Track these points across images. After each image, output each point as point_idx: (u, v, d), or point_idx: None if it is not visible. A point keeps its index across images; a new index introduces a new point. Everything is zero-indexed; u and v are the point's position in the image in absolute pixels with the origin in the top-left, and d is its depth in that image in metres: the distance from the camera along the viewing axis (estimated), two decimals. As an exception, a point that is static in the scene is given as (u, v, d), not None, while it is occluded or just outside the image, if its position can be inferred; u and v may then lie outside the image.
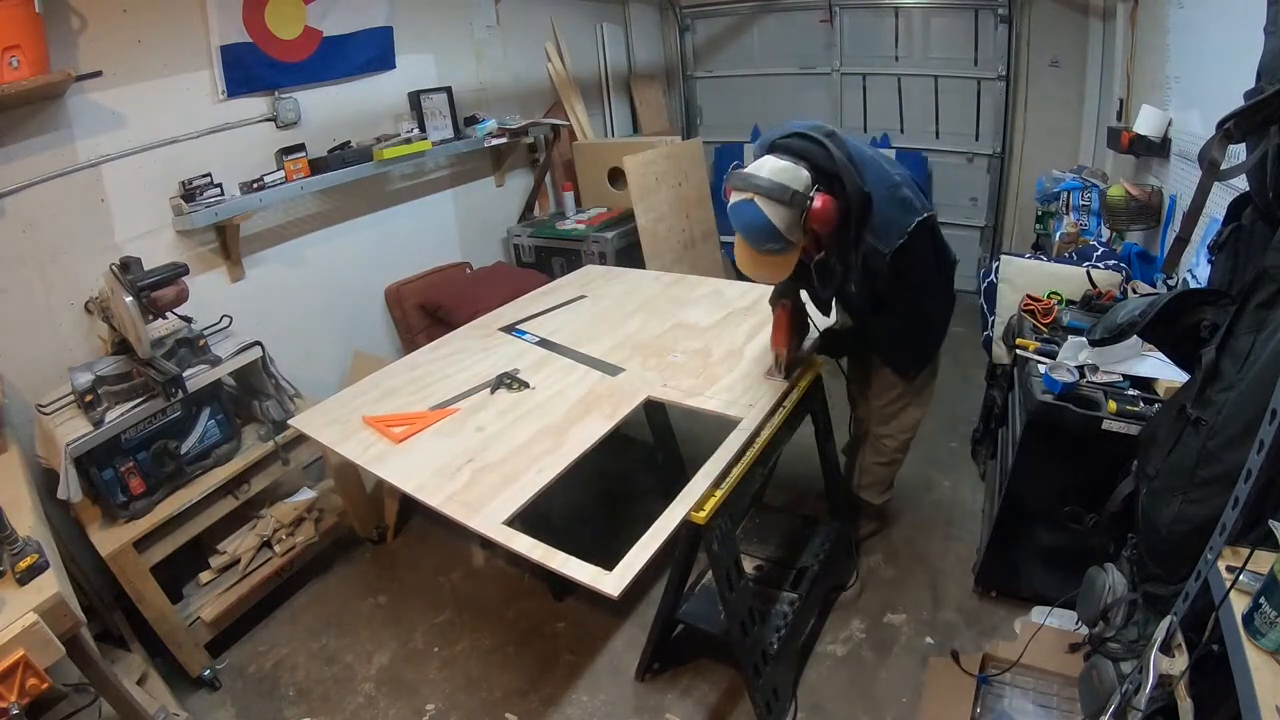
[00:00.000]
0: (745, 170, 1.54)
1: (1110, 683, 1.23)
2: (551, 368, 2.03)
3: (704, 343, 2.11)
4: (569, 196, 4.02)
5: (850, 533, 2.34)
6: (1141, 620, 1.27)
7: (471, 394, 1.91)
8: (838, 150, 1.54)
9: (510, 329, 2.32)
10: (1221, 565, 0.99)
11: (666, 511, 1.43)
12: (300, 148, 2.68)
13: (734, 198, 1.52)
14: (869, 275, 1.66)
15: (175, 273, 1.98)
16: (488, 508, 1.46)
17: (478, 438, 1.71)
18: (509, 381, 1.93)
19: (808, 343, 1.98)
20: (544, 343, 2.19)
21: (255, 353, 2.25)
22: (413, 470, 1.62)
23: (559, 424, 1.73)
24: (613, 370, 1.99)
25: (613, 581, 1.27)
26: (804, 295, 1.94)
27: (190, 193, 2.40)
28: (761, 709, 1.77)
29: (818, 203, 1.49)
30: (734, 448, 1.60)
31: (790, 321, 1.84)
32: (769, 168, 1.52)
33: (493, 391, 1.92)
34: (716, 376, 1.92)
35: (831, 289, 1.82)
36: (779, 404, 1.79)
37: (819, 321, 2.00)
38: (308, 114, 2.80)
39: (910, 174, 1.70)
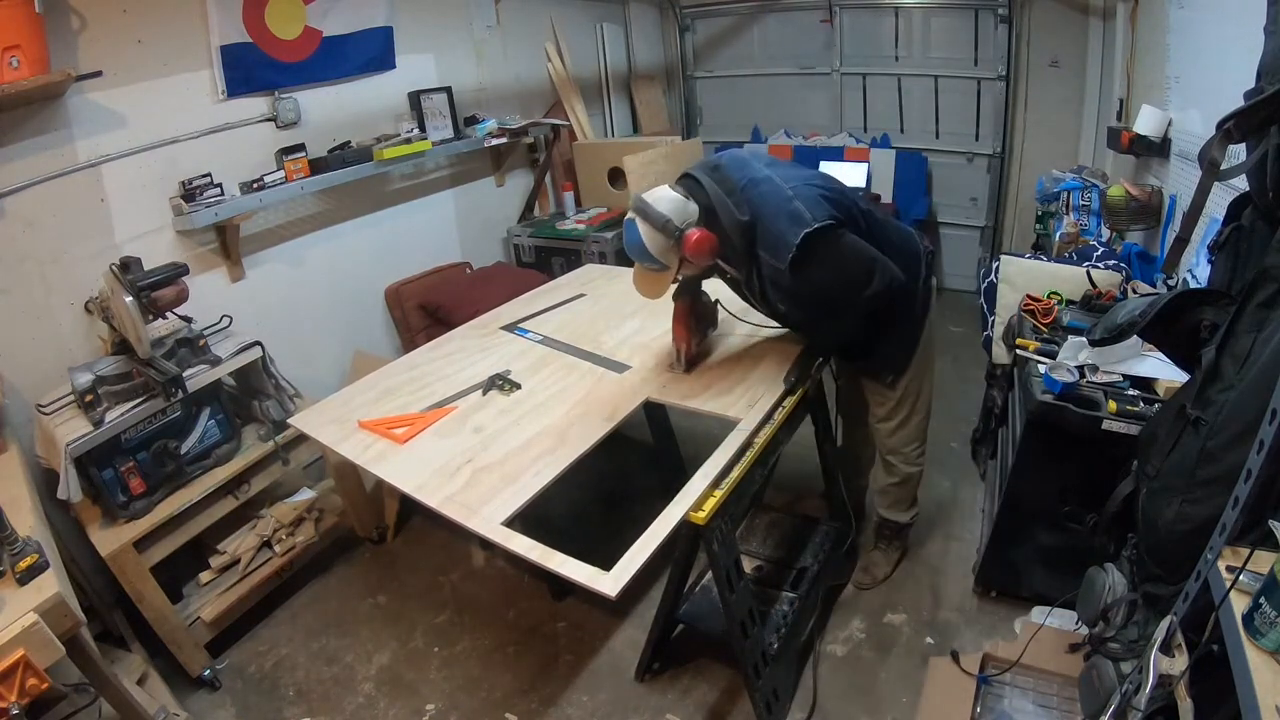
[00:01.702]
0: (644, 195, 1.68)
1: (1110, 683, 1.23)
2: (552, 367, 2.03)
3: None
4: (569, 196, 4.03)
5: (872, 568, 2.35)
6: (1141, 620, 1.27)
7: (464, 395, 1.91)
8: (714, 187, 1.67)
9: (511, 328, 2.32)
10: (1221, 565, 0.99)
11: (665, 512, 1.43)
12: (300, 148, 2.68)
13: (627, 216, 1.69)
14: (782, 290, 1.69)
15: (175, 273, 1.98)
16: (486, 508, 1.46)
17: (477, 438, 1.71)
18: (500, 383, 1.93)
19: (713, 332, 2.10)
20: (546, 341, 2.19)
21: (255, 353, 2.25)
22: (412, 470, 1.62)
23: (558, 425, 1.73)
24: (618, 367, 1.99)
25: (610, 582, 1.27)
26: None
27: (190, 193, 2.40)
28: (761, 709, 1.77)
29: (693, 235, 1.62)
30: (733, 448, 1.60)
31: (689, 316, 1.95)
32: (666, 197, 1.67)
33: (484, 393, 1.91)
34: (715, 378, 1.91)
35: (761, 305, 1.89)
36: (778, 404, 1.78)
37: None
38: (308, 114, 2.80)
39: (820, 184, 1.67)
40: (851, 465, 2.35)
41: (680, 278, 1.77)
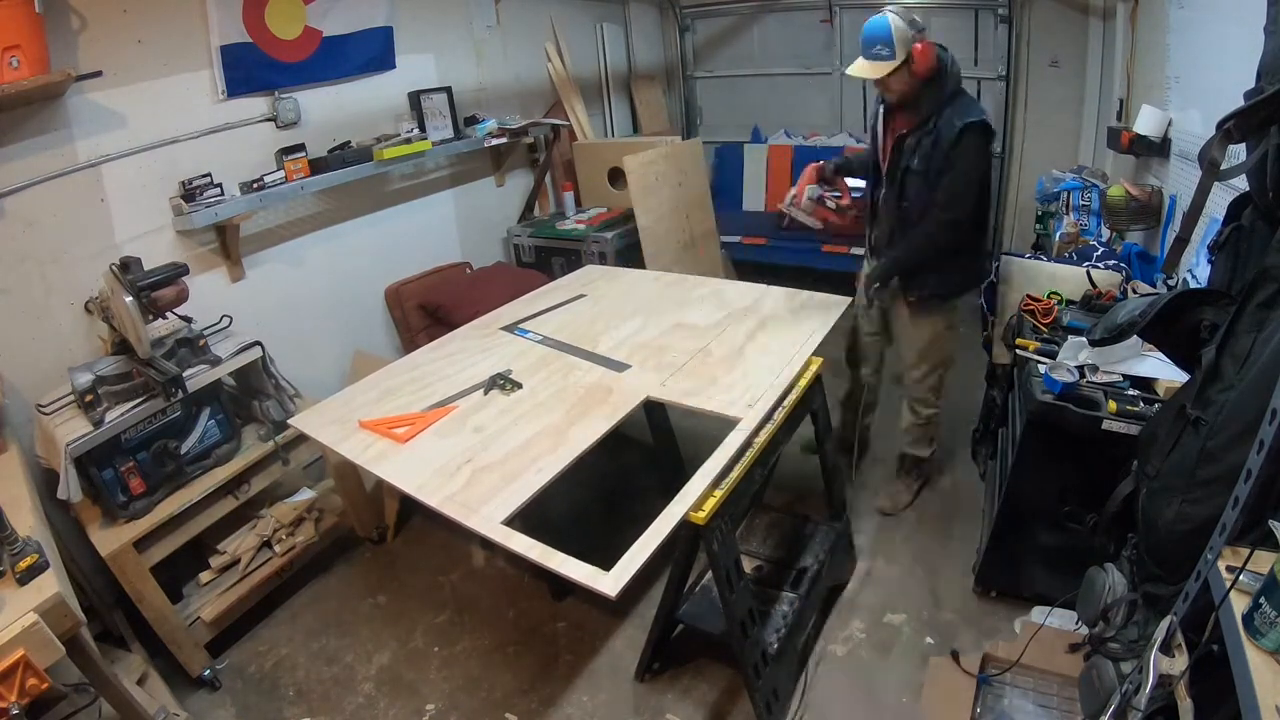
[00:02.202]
0: None
1: (1110, 683, 1.23)
2: (552, 367, 2.03)
3: (704, 343, 2.11)
4: (569, 196, 4.03)
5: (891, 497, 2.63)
6: (1141, 620, 1.27)
7: (465, 395, 1.91)
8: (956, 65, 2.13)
9: (512, 328, 2.32)
10: (1221, 565, 0.99)
11: (665, 512, 1.43)
12: (300, 148, 2.68)
13: (875, 16, 2.04)
14: (936, 150, 2.07)
15: (175, 273, 1.98)
16: (486, 507, 1.45)
17: (477, 438, 1.71)
18: (502, 383, 1.93)
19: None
20: (546, 341, 2.19)
21: (255, 353, 2.25)
22: (412, 470, 1.62)
23: (558, 424, 1.73)
24: (619, 366, 1.99)
25: (610, 581, 1.26)
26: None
27: (190, 193, 2.40)
28: (761, 709, 1.77)
29: (926, 40, 2.01)
30: (732, 448, 1.60)
31: (813, 173, 2.40)
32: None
33: (485, 393, 1.92)
34: (716, 377, 1.91)
35: (900, 168, 2.20)
36: (778, 404, 1.78)
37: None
38: (308, 114, 2.81)
39: None
40: (865, 407, 2.71)
41: (886, 88, 2.11)
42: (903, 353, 2.48)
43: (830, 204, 2.34)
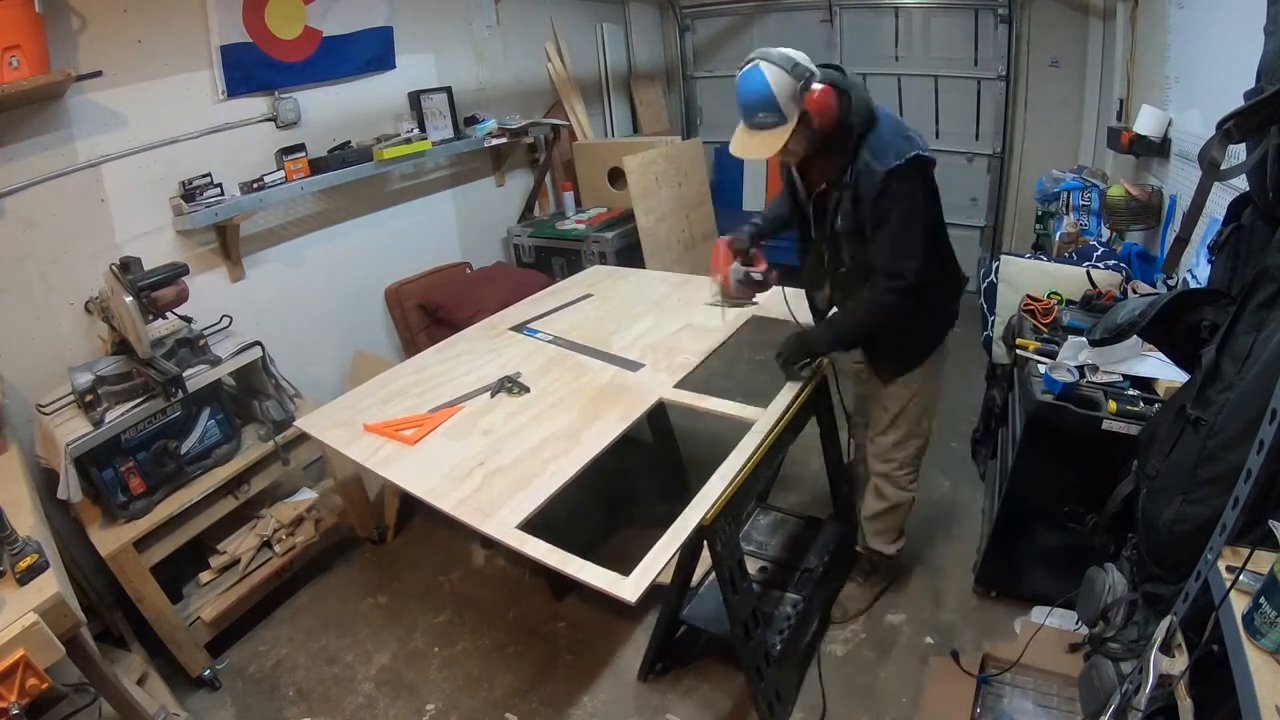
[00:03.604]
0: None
1: (1110, 683, 1.23)
2: (563, 366, 2.02)
3: (715, 344, 2.10)
4: (569, 196, 4.03)
5: (863, 589, 2.24)
6: (1141, 620, 1.27)
7: (472, 397, 1.91)
8: (853, 78, 1.65)
9: (520, 328, 2.31)
10: (1221, 565, 0.99)
11: (682, 516, 1.43)
12: (300, 148, 2.68)
13: (744, 68, 1.58)
14: (860, 206, 1.63)
15: (175, 273, 1.98)
16: (501, 511, 1.45)
17: (486, 440, 1.71)
18: (509, 386, 1.93)
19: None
20: (557, 341, 2.18)
21: (255, 353, 2.25)
22: (423, 473, 1.61)
23: (571, 426, 1.73)
24: (632, 366, 1.98)
25: (630, 586, 1.26)
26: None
27: (190, 193, 2.40)
28: (764, 711, 1.77)
29: (818, 87, 1.55)
30: (749, 449, 1.60)
31: (729, 250, 2.02)
32: (787, 50, 1.57)
33: (493, 395, 1.91)
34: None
35: (824, 230, 1.79)
36: (789, 405, 1.78)
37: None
38: (308, 114, 2.81)
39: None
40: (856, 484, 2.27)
41: (785, 152, 1.62)
42: (872, 416, 2.02)
43: (758, 277, 2.06)
